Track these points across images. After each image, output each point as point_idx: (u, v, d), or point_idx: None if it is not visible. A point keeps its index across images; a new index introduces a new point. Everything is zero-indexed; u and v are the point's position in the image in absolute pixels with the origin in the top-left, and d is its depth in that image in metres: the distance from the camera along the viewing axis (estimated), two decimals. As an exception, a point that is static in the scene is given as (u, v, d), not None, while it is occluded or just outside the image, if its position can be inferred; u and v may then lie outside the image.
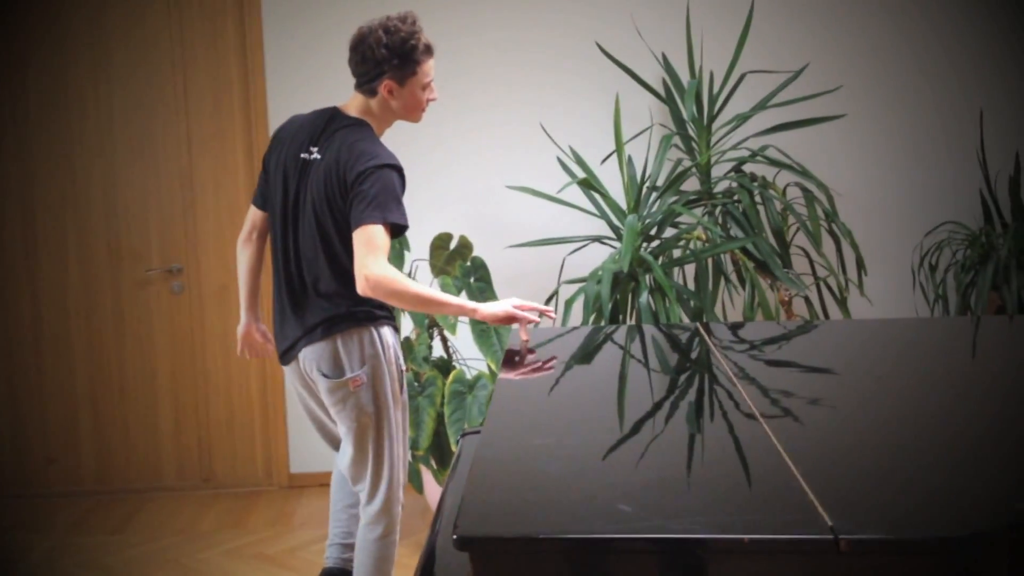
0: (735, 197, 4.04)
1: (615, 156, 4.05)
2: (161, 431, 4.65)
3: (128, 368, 4.62)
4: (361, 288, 2.59)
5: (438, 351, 4.19)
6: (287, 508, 4.43)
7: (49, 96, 4.51)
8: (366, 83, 2.72)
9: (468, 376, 3.92)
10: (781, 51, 4.47)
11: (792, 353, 2.70)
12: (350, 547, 3.04)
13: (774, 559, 1.38)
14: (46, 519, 4.38)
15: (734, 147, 4.20)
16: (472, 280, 3.99)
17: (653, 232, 4.03)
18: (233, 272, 4.57)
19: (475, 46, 4.45)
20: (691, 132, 4.21)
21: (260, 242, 2.98)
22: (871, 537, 1.35)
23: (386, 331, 2.80)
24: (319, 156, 2.72)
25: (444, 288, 3.91)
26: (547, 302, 4.04)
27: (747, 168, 4.27)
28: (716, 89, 4.22)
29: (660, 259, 3.92)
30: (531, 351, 2.61)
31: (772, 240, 4.06)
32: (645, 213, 4.03)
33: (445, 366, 4.03)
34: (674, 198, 4.04)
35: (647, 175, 4.12)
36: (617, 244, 4.00)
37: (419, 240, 4.11)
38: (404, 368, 2.89)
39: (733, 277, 4.16)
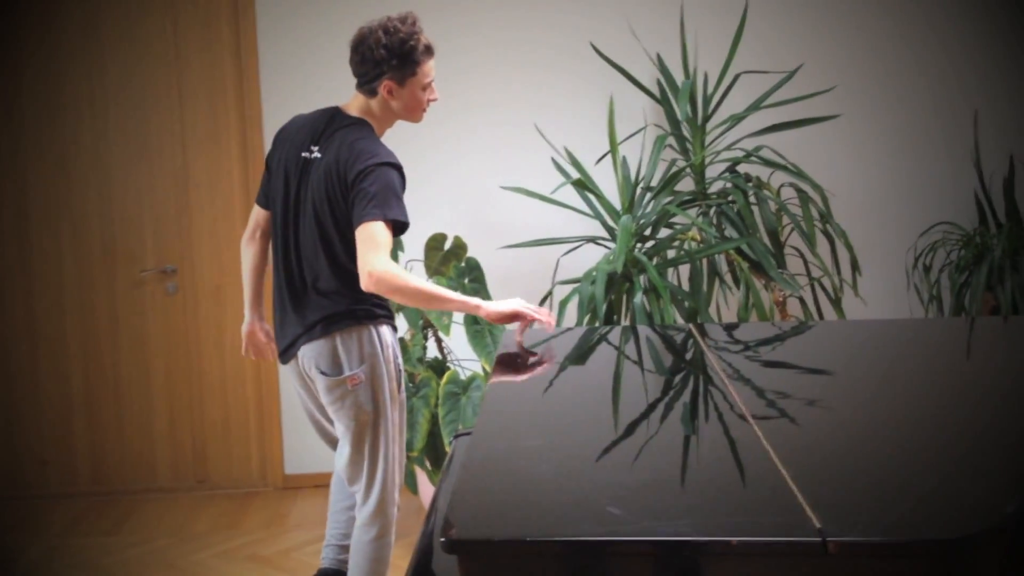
0: (729, 197, 4.04)
1: (609, 156, 4.05)
2: (156, 432, 4.64)
3: (123, 369, 4.61)
4: (365, 284, 2.59)
5: (432, 352, 4.18)
6: (282, 509, 4.43)
7: (44, 96, 4.50)
8: (366, 83, 2.73)
9: (462, 377, 3.92)
10: (775, 51, 4.47)
11: (786, 354, 2.70)
12: (346, 548, 3.04)
13: (763, 561, 1.37)
14: (40, 520, 4.38)
15: (728, 147, 4.20)
16: (466, 281, 3.98)
17: (647, 233, 4.03)
18: (228, 273, 4.57)
19: (469, 46, 4.45)
20: (685, 132, 4.21)
21: (264, 241, 2.99)
22: (859, 540, 1.35)
23: (385, 330, 2.81)
24: (320, 155, 2.73)
25: (438, 289, 3.90)
26: (541, 303, 4.04)
27: (741, 168, 4.27)
28: (710, 89, 4.21)
29: (654, 260, 3.92)
30: (529, 352, 2.60)
31: (767, 240, 4.05)
32: (639, 214, 4.02)
33: (439, 367, 4.03)
34: (668, 199, 4.04)
35: (641, 175, 4.12)
36: (611, 245, 4.00)
37: (413, 241, 4.10)
38: (402, 368, 2.89)
39: (727, 278, 4.16)
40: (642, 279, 3.82)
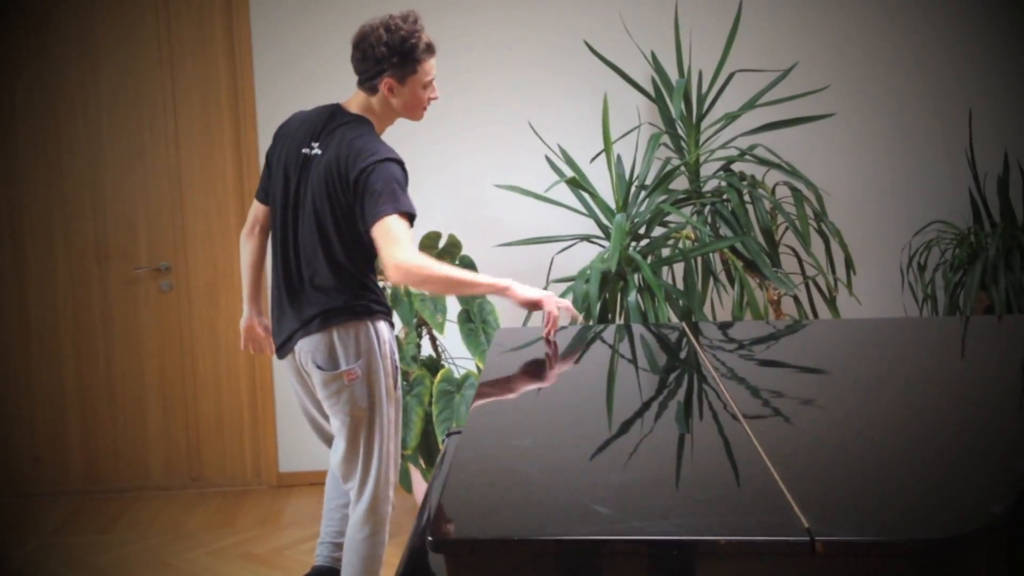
0: (724, 196, 4.04)
1: (604, 155, 4.05)
2: (149, 430, 4.63)
3: (116, 367, 4.60)
4: (393, 277, 2.60)
5: (427, 350, 4.18)
6: (275, 507, 4.42)
7: (38, 95, 4.49)
8: (367, 80, 2.74)
9: (456, 375, 3.92)
10: (770, 50, 4.47)
11: (780, 353, 2.70)
12: (341, 547, 3.04)
13: (751, 560, 1.37)
14: (33, 518, 4.37)
15: (723, 146, 4.20)
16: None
17: (642, 231, 4.03)
18: (221, 270, 4.56)
19: (463, 44, 4.44)
20: (680, 131, 4.21)
21: (263, 237, 3.00)
22: (847, 539, 1.35)
23: (382, 326, 2.81)
24: (320, 152, 2.73)
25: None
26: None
27: (736, 167, 4.27)
28: (705, 88, 4.21)
29: (648, 258, 3.92)
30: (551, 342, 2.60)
31: (761, 239, 4.05)
32: (633, 212, 4.02)
33: (433, 365, 4.02)
34: (663, 197, 4.04)
35: (635, 174, 4.12)
36: (605, 243, 3.99)
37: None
38: (399, 365, 2.90)
39: (722, 276, 4.16)
40: (636, 278, 3.82)
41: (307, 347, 2.77)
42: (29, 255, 4.55)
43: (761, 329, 3.21)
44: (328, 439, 3.03)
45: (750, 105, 4.12)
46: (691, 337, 2.75)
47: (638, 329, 3.04)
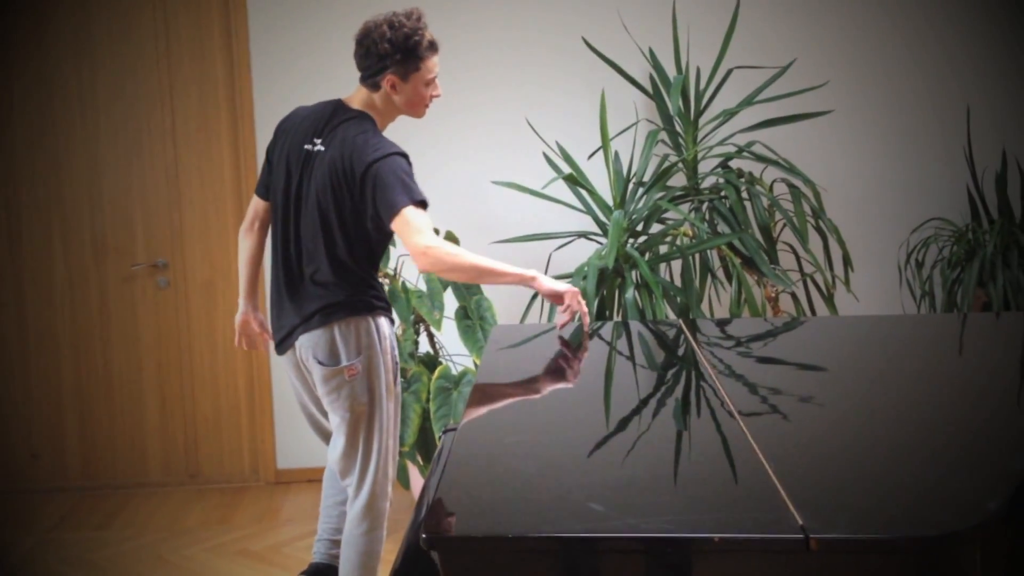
0: (722, 193, 4.04)
1: (601, 152, 4.04)
2: (147, 426, 4.63)
3: (114, 363, 4.60)
4: (421, 265, 2.63)
5: (424, 347, 4.18)
6: (273, 504, 4.42)
7: (35, 91, 4.48)
8: (369, 77, 2.74)
9: (454, 372, 3.92)
10: (768, 46, 4.46)
11: (777, 350, 2.70)
12: (338, 543, 3.04)
13: (745, 558, 1.37)
14: (31, 515, 4.37)
15: (721, 143, 4.20)
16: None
17: (639, 228, 4.02)
18: (219, 267, 4.56)
19: (461, 42, 4.43)
20: (678, 128, 4.21)
21: (262, 232, 3.00)
22: (841, 536, 1.35)
23: (383, 322, 2.82)
24: (323, 148, 2.74)
25: (429, 283, 3.91)
26: (533, 298, 4.04)
27: (734, 164, 4.27)
28: (703, 84, 4.21)
29: (646, 255, 3.92)
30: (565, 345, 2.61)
31: (759, 236, 4.05)
32: (631, 209, 4.02)
33: (431, 362, 4.02)
34: (660, 194, 4.04)
35: (633, 171, 4.12)
36: (603, 240, 3.99)
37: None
38: (399, 361, 2.90)
39: (720, 273, 4.16)
40: (634, 275, 3.82)
41: (308, 342, 2.77)
42: (26, 252, 4.54)
43: (759, 326, 3.21)
44: (326, 436, 3.03)
45: (748, 102, 4.12)
46: (688, 334, 2.75)
47: (635, 326, 3.04)
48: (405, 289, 3.90)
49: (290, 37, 4.45)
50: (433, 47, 2.75)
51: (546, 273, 4.11)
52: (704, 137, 4.24)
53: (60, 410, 4.60)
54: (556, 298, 2.73)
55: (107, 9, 4.47)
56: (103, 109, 4.51)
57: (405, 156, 2.72)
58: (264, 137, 4.41)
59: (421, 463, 3.97)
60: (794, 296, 4.06)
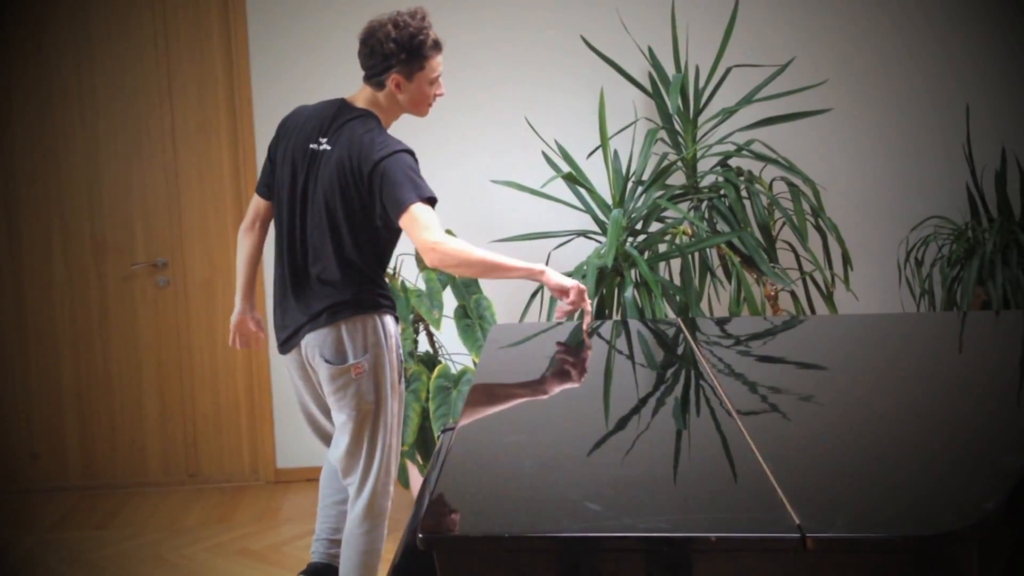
0: (721, 191, 4.03)
1: (600, 150, 4.04)
2: (146, 426, 4.63)
3: (113, 363, 4.60)
4: (430, 261, 2.62)
5: (424, 346, 4.18)
6: (273, 503, 4.42)
7: (32, 89, 4.48)
8: (374, 76, 2.75)
9: (453, 371, 3.92)
10: (767, 45, 4.46)
11: (777, 349, 2.70)
12: (337, 543, 3.04)
13: (742, 557, 1.37)
14: (30, 514, 4.37)
15: (720, 141, 4.19)
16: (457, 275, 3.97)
17: (638, 227, 4.02)
18: (218, 266, 4.56)
19: (460, 41, 4.43)
20: (677, 126, 4.20)
21: (262, 231, 3.00)
22: (838, 536, 1.35)
23: (389, 320, 2.82)
24: (329, 147, 2.74)
25: (428, 282, 3.91)
26: (532, 297, 4.04)
27: (733, 162, 4.27)
28: (702, 83, 4.21)
29: (645, 254, 3.92)
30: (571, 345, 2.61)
31: (758, 235, 4.05)
32: (630, 208, 4.02)
33: (430, 361, 4.02)
34: (659, 192, 4.04)
35: (632, 169, 4.11)
36: (602, 239, 3.99)
37: (404, 235, 4.09)
38: (403, 359, 2.90)
39: (719, 272, 4.15)
40: (633, 273, 3.82)
41: (314, 341, 2.77)
42: (26, 251, 4.54)
43: (758, 325, 3.21)
44: (325, 437, 3.03)
45: (747, 100, 4.11)
46: (687, 333, 2.75)
47: (635, 325, 3.04)
48: (404, 288, 3.91)
49: (289, 37, 4.45)
50: (437, 46, 2.76)
51: (545, 272, 4.12)
52: (703, 136, 4.24)
53: (60, 410, 4.60)
54: (562, 293, 2.73)
55: (106, 9, 4.46)
56: (102, 109, 4.51)
57: (412, 153, 2.73)
58: (263, 136, 4.42)
59: (421, 462, 3.97)
60: (793, 295, 4.06)
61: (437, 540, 1.36)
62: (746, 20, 4.36)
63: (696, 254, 3.98)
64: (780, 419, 1.96)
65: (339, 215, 2.71)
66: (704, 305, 4.12)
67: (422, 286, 3.94)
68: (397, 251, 4.15)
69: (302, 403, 2.99)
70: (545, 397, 2.20)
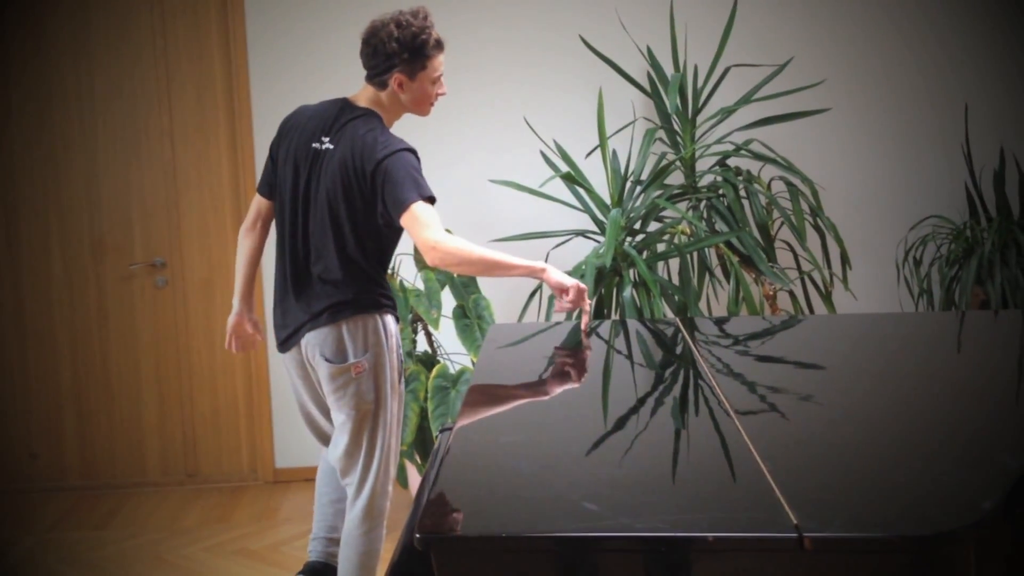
0: (719, 191, 4.03)
1: (599, 150, 4.04)
2: (145, 426, 4.63)
3: (112, 363, 4.60)
4: (431, 259, 2.63)
5: (422, 346, 4.18)
6: (272, 503, 4.42)
7: (30, 90, 4.48)
8: (376, 76, 2.75)
9: (452, 371, 3.92)
10: (766, 45, 4.46)
11: (775, 348, 2.70)
12: (335, 541, 3.04)
13: (740, 557, 1.37)
14: (29, 514, 4.37)
15: (718, 141, 4.19)
16: (455, 275, 3.98)
17: (637, 226, 4.02)
18: (217, 266, 4.56)
19: (459, 40, 4.42)
20: (675, 126, 4.20)
21: (263, 231, 3.00)
22: (835, 535, 1.35)
23: (390, 319, 2.83)
24: (331, 146, 2.74)
25: (427, 282, 3.91)
26: (531, 296, 4.04)
27: (732, 162, 4.27)
28: (700, 83, 4.21)
29: (644, 253, 3.92)
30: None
31: (757, 234, 4.05)
32: (629, 207, 4.02)
33: (429, 361, 4.02)
34: (658, 192, 4.04)
35: (631, 169, 4.11)
36: (601, 238, 3.99)
37: (403, 234, 4.09)
38: (403, 359, 2.90)
39: (717, 271, 4.15)
40: (631, 273, 3.82)
41: (315, 340, 2.77)
42: (25, 251, 4.54)
43: (756, 324, 3.21)
44: (323, 438, 3.03)
45: (746, 100, 4.11)
46: (686, 333, 2.75)
47: (633, 325, 3.04)
48: (403, 288, 3.91)
49: (287, 37, 4.45)
50: (439, 46, 2.77)
51: (544, 272, 4.12)
52: (702, 135, 4.24)
53: (58, 410, 4.60)
54: (562, 291, 2.74)
55: (105, 9, 4.46)
56: (101, 109, 4.51)
57: (414, 152, 2.73)
58: (262, 137, 4.42)
59: (419, 462, 3.97)
60: (792, 294, 4.06)
61: (434, 540, 1.36)
62: (745, 20, 4.36)
63: (695, 254, 3.97)
64: (778, 419, 1.96)
65: (341, 214, 2.72)
66: (703, 305, 4.12)
67: (420, 286, 3.95)
68: (396, 251, 4.17)
69: (300, 402, 2.99)
70: (543, 397, 2.20)
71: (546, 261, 4.13)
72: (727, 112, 4.12)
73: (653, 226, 4.11)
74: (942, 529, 1.35)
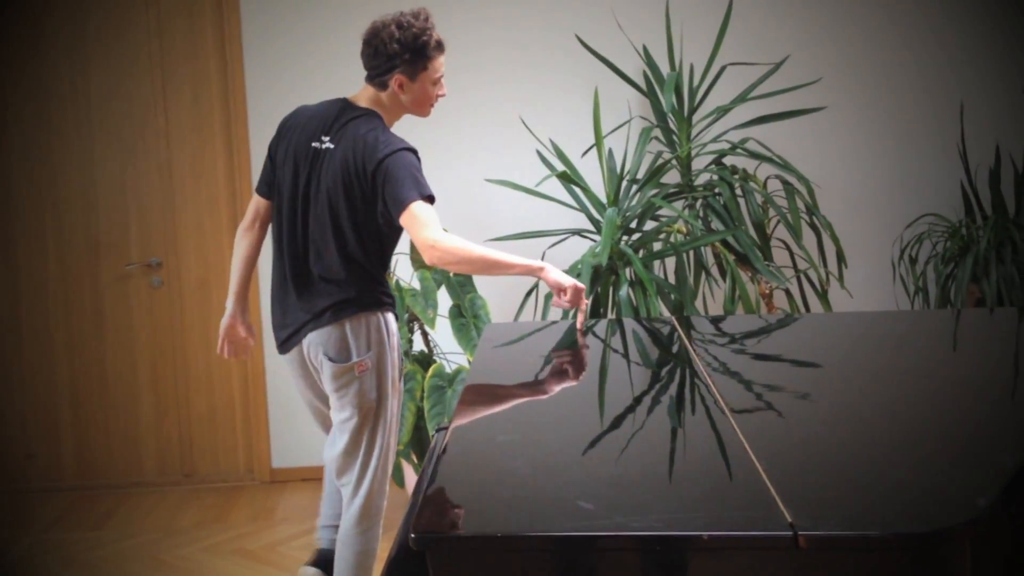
0: (716, 190, 4.04)
1: (595, 149, 4.04)
2: (142, 426, 4.63)
3: (108, 363, 4.60)
4: (429, 258, 2.62)
5: (418, 345, 4.18)
6: (268, 503, 4.42)
7: (26, 89, 4.47)
8: (377, 76, 2.76)
9: (448, 370, 3.92)
10: (761, 43, 4.46)
11: (771, 347, 2.70)
12: None
13: (735, 556, 1.37)
14: (26, 515, 4.37)
15: (715, 140, 4.20)
16: (452, 274, 3.98)
17: (633, 225, 4.02)
18: (213, 266, 4.56)
19: (456, 39, 4.42)
20: (671, 125, 4.21)
21: (262, 231, 3.00)
22: (830, 533, 1.35)
23: (391, 318, 2.83)
24: (332, 145, 2.74)
25: (423, 281, 3.91)
26: (527, 296, 4.04)
27: (728, 161, 4.27)
28: (696, 81, 4.21)
29: (640, 252, 3.92)
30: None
31: (753, 233, 4.05)
32: (625, 206, 4.02)
33: (425, 360, 4.02)
34: (654, 191, 4.04)
35: (627, 168, 4.11)
36: (597, 237, 3.99)
37: (402, 234, 4.09)
38: (403, 357, 2.90)
39: (714, 270, 4.16)
40: (628, 272, 3.82)
41: (318, 339, 2.77)
42: (20, 251, 4.54)
43: (753, 323, 3.21)
44: (330, 427, 3.02)
45: (741, 99, 4.12)
46: (682, 332, 2.75)
47: (629, 323, 3.04)
48: (399, 287, 3.90)
49: (283, 37, 4.45)
50: (440, 47, 2.78)
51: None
52: (698, 134, 4.24)
53: (55, 410, 4.60)
54: (559, 291, 2.74)
55: (101, 10, 4.46)
56: (97, 109, 4.50)
57: (415, 151, 2.74)
58: (258, 136, 4.42)
59: (416, 461, 3.97)
60: (788, 293, 4.06)
61: (430, 540, 1.36)
62: (740, 18, 4.37)
63: (691, 252, 3.98)
64: (774, 417, 1.97)
65: (342, 213, 2.72)
66: (699, 303, 4.12)
67: (417, 285, 3.94)
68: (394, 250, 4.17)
69: (306, 400, 2.99)
70: (539, 396, 2.20)
71: (542, 260, 4.16)
72: (723, 111, 4.12)
73: (649, 225, 4.12)
74: (937, 527, 1.35)
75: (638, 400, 2.14)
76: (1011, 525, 1.52)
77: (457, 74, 4.41)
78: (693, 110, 4.17)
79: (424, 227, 2.62)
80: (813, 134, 4.51)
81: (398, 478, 4.01)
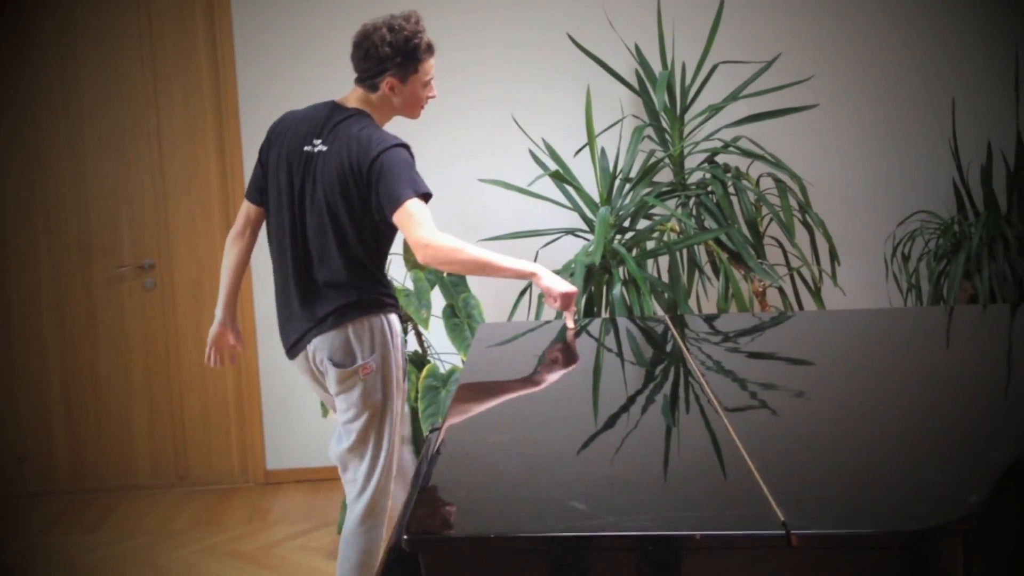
0: (708, 188, 4.04)
1: (587, 148, 4.04)
2: (135, 428, 4.62)
3: (101, 365, 4.58)
4: (422, 258, 2.62)
5: (412, 345, 4.17)
6: (263, 505, 4.41)
7: (19, 93, 4.46)
8: (368, 79, 2.75)
9: (442, 370, 3.91)
10: (753, 41, 4.46)
11: (765, 345, 2.71)
12: None
13: (727, 555, 1.37)
14: (19, 518, 4.35)
15: (707, 138, 4.20)
16: (445, 274, 3.97)
17: (626, 224, 4.02)
18: (205, 267, 4.55)
19: (447, 38, 4.41)
20: (664, 123, 4.21)
21: (252, 238, 2.98)
22: (822, 532, 1.35)
23: (394, 318, 2.83)
24: (325, 148, 2.73)
25: (417, 281, 3.90)
26: (520, 295, 4.04)
27: (720, 159, 4.27)
28: (689, 80, 4.21)
29: (633, 251, 3.92)
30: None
31: (746, 231, 4.06)
32: (618, 205, 4.02)
33: (419, 361, 4.01)
34: (647, 190, 4.04)
35: (619, 167, 4.11)
36: (590, 236, 3.99)
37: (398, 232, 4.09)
38: (406, 357, 2.90)
39: (707, 268, 4.16)
40: (621, 271, 3.82)
41: (322, 345, 2.77)
42: (12, 254, 4.52)
43: (746, 321, 3.21)
44: None
45: (734, 97, 4.12)
46: (676, 330, 2.75)
47: (623, 322, 3.04)
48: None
49: (275, 39, 4.44)
50: (431, 49, 2.78)
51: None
52: (690, 132, 4.24)
53: (47, 413, 4.58)
54: (551, 297, 2.73)
55: (92, 10, 4.44)
56: (88, 110, 4.49)
57: (408, 148, 2.73)
58: (250, 138, 4.41)
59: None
60: (781, 291, 4.06)
61: (422, 541, 1.36)
62: (732, 16, 4.37)
63: (684, 251, 3.98)
64: (767, 415, 1.97)
65: (341, 214, 2.71)
66: (692, 302, 4.12)
67: (410, 285, 3.94)
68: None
69: (319, 396, 2.99)
70: (532, 396, 2.20)
71: (535, 260, 4.15)
72: (715, 109, 4.12)
73: (642, 224, 4.11)
74: (929, 525, 1.35)
75: (631, 399, 2.14)
76: (1002, 521, 1.52)
77: (449, 74, 4.40)
78: (685, 108, 4.17)
79: (418, 226, 2.61)
80: (805, 132, 4.52)
81: (392, 479, 4.00)
